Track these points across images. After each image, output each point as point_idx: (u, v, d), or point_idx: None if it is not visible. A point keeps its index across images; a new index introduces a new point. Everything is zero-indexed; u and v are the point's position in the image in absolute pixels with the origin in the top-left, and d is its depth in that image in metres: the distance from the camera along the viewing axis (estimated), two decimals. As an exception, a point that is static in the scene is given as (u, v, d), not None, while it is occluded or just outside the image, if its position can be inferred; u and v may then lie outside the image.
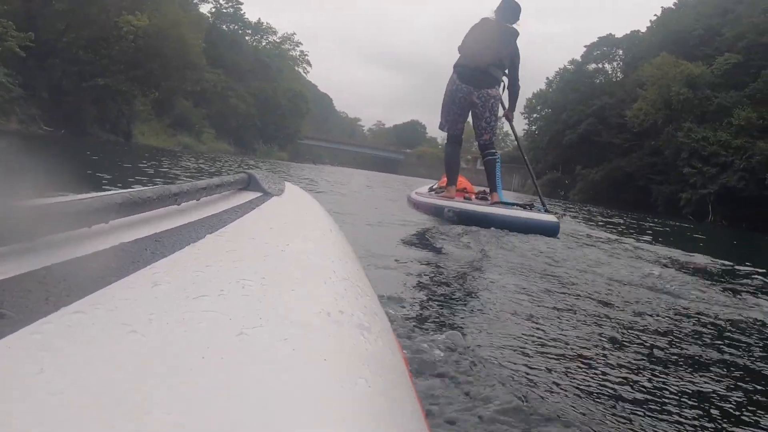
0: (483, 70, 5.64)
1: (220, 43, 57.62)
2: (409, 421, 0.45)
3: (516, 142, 7.65)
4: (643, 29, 57.48)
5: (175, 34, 36.38)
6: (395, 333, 0.77)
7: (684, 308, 2.89)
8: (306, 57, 78.59)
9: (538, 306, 2.56)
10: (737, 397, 1.76)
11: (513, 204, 5.72)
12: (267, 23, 72.25)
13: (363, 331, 0.53)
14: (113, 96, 34.77)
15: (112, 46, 34.31)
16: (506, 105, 6.15)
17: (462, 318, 2.28)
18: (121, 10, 33.92)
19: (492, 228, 4.87)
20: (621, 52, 58.56)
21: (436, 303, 2.48)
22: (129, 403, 0.31)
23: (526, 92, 78.52)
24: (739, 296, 3.45)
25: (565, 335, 2.16)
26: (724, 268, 5.34)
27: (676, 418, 1.53)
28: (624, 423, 1.44)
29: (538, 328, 2.19)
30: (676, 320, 2.64)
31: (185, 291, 0.51)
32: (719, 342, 2.34)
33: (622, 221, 15.77)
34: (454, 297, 2.66)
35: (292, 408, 0.34)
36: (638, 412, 1.52)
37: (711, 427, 1.52)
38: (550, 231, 5.05)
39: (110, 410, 0.30)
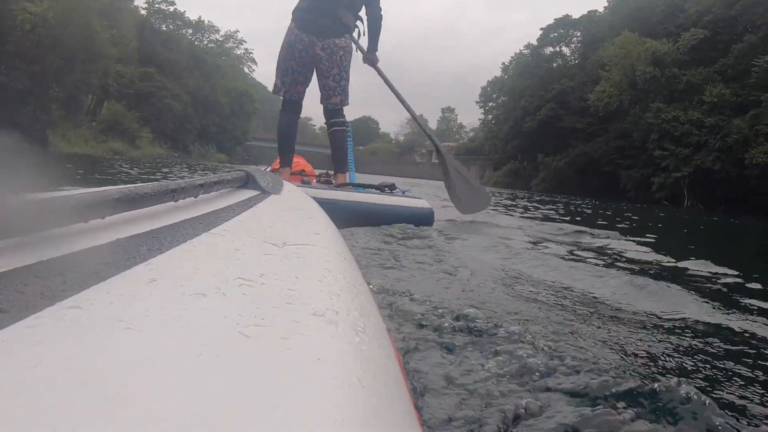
0: (328, 13, 4.60)
1: (154, 40, 53.88)
2: (401, 420, 0.45)
3: (403, 104, 5.35)
4: (601, 9, 55.34)
5: (79, 22, 31.51)
6: (390, 333, 0.78)
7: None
8: (251, 55, 75.54)
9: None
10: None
11: (367, 187, 4.73)
12: (209, 21, 68.71)
13: (358, 332, 0.53)
14: (23, 98, 29.83)
15: (6, 39, 29.28)
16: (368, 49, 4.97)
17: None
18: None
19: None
20: (579, 34, 56.14)
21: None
22: (124, 399, 0.31)
23: (481, 81, 76.20)
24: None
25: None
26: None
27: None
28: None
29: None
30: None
31: (182, 288, 0.51)
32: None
33: (562, 209, 14.26)
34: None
35: (286, 406, 0.34)
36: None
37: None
38: (421, 219, 4.21)
39: (106, 406, 0.30)
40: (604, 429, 1.15)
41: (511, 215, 8.88)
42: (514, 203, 14.78)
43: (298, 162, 5.67)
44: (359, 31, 4.84)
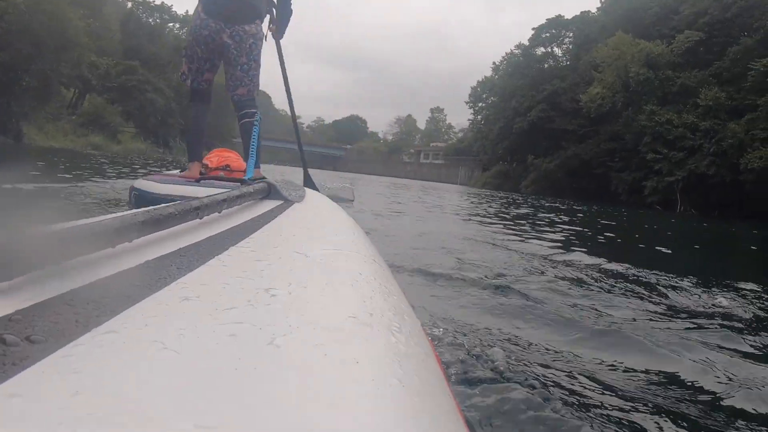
0: None
1: (139, 32, 52.63)
2: (445, 418, 0.44)
3: (286, 88, 5.03)
4: (594, 10, 54.64)
5: (50, 9, 29.99)
6: (426, 331, 0.79)
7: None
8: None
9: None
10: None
11: (246, 182, 3.57)
12: (199, 15, 66.68)
13: (393, 332, 0.53)
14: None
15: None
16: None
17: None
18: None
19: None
20: (571, 34, 55.41)
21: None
22: (166, 419, 0.31)
23: (472, 83, 75.24)
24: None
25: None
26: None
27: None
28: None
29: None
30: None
31: (213, 304, 0.51)
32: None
33: (534, 214, 13.80)
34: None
35: (328, 412, 0.34)
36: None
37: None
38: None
39: (148, 428, 0.30)
40: None
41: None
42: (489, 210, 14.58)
43: (228, 156, 5.23)
44: (272, 17, 4.52)
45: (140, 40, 51.86)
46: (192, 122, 4.69)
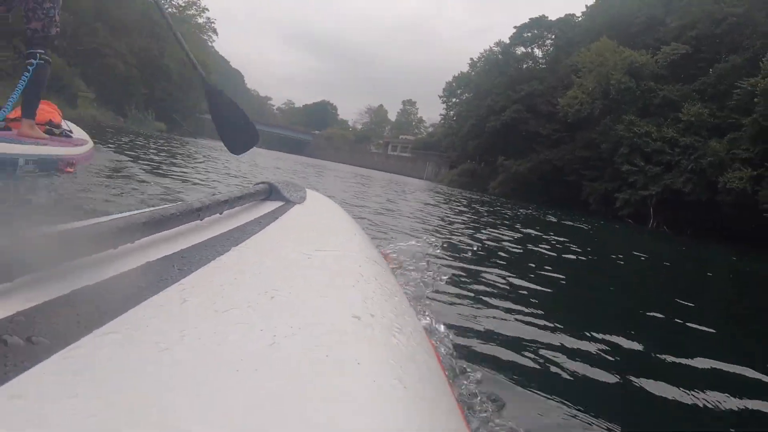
0: None
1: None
2: (446, 419, 0.45)
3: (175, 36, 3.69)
4: (578, 14, 53.31)
5: None
6: (427, 331, 0.83)
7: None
8: (212, 24, 70.60)
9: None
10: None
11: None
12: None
13: (395, 333, 0.53)
14: None
15: None
16: None
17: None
18: None
19: None
20: (553, 36, 53.99)
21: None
22: (166, 421, 0.31)
23: (447, 78, 74.14)
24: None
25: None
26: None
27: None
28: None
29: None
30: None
31: (214, 305, 0.52)
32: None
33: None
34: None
35: (330, 413, 0.34)
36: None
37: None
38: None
39: (149, 429, 0.30)
40: None
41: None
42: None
43: (45, 110, 5.02)
44: None
45: (106, 3, 48.46)
46: None
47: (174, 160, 10.33)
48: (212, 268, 0.65)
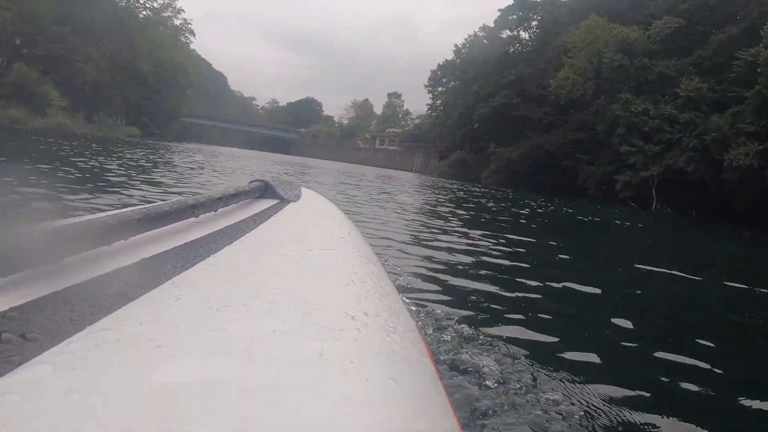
0: None
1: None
2: (439, 418, 0.45)
3: None
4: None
5: None
6: (420, 330, 0.81)
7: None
8: (189, 26, 68.11)
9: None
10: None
11: None
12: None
13: (388, 332, 0.53)
14: None
15: None
16: None
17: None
18: None
19: None
20: (539, 18, 52.36)
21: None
22: (160, 417, 0.31)
23: (431, 65, 72.55)
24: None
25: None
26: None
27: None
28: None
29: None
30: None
31: (208, 303, 0.51)
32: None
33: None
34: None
35: (323, 412, 0.34)
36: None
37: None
38: None
39: (141, 425, 0.30)
40: None
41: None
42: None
43: None
44: None
45: (74, 4, 46.34)
46: None
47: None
48: (206, 266, 0.64)
